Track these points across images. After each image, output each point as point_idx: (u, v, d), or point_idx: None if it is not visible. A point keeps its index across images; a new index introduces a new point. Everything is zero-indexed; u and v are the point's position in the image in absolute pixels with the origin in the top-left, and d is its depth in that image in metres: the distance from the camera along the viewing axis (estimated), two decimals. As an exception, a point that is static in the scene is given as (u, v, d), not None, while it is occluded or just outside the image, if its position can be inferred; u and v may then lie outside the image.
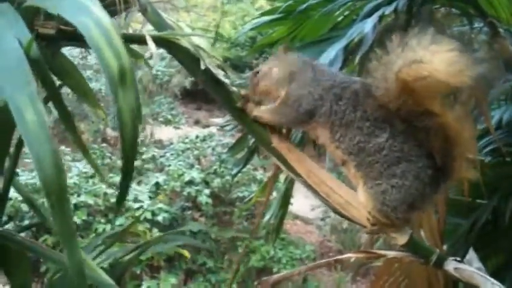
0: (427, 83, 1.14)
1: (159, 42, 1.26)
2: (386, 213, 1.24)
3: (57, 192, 0.86)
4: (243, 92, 1.35)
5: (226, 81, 1.33)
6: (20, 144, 1.44)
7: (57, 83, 1.49)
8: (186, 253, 2.39)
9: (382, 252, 1.40)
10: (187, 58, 1.31)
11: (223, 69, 1.35)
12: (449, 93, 1.22)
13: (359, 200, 1.30)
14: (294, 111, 1.29)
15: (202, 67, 1.27)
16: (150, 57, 1.26)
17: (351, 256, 1.43)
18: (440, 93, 1.20)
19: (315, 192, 1.34)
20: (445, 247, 2.45)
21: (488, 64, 1.13)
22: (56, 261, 1.52)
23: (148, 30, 1.33)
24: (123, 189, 1.11)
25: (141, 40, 1.21)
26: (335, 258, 1.50)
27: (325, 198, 1.32)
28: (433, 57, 1.11)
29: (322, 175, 1.33)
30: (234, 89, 1.35)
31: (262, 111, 1.33)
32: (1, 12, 1.05)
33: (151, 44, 1.19)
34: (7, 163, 1.43)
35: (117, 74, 0.95)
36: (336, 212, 1.34)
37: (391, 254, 1.39)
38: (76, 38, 1.30)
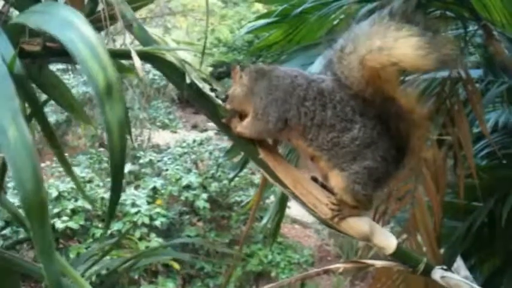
0: (393, 69, 1.18)
1: (145, 57, 1.26)
2: (356, 191, 1.26)
3: (37, 208, 0.85)
4: (228, 106, 1.35)
5: (212, 94, 1.33)
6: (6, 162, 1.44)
7: (43, 97, 1.50)
8: (176, 265, 2.40)
9: (371, 262, 1.42)
10: (172, 72, 1.31)
11: (209, 83, 1.36)
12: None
13: (331, 185, 1.31)
14: (265, 123, 1.29)
15: (188, 81, 1.27)
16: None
17: (339, 266, 1.44)
18: (398, 78, 1.26)
19: (302, 203, 1.34)
20: (441, 250, 2.45)
21: (449, 46, 1.16)
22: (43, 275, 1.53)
23: (134, 45, 1.34)
24: (113, 202, 1.10)
25: (126, 55, 1.21)
26: (324, 268, 1.51)
27: (312, 209, 1.33)
28: (397, 43, 1.14)
29: (309, 186, 1.34)
30: (220, 101, 1.35)
31: (243, 127, 1.33)
32: None
33: (136, 59, 1.19)
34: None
35: (103, 88, 0.95)
36: (323, 222, 1.35)
37: (379, 263, 1.41)
38: (61, 54, 1.30)
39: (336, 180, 1.28)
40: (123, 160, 1.02)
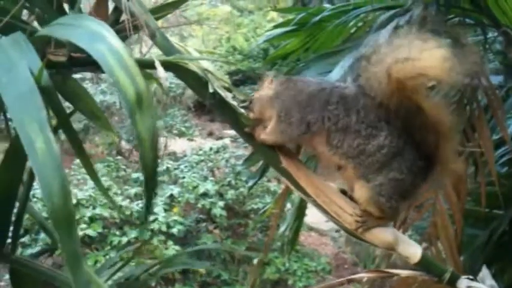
0: (420, 80, 1.18)
1: (168, 66, 1.28)
2: (380, 203, 1.26)
3: (65, 219, 0.87)
4: (251, 115, 1.37)
5: (234, 103, 1.35)
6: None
7: (68, 108, 1.52)
8: (201, 271, 2.40)
9: (395, 271, 1.41)
10: (195, 81, 1.33)
11: (231, 92, 1.37)
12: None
13: (356, 196, 1.31)
14: (288, 124, 1.29)
15: (211, 90, 1.29)
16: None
17: (363, 276, 1.43)
18: (425, 88, 1.24)
19: (325, 212, 1.34)
20: (462, 258, 2.43)
21: (475, 59, 1.16)
22: (67, 283, 1.55)
23: (158, 55, 1.35)
24: (147, 208, 1.12)
25: (150, 65, 1.23)
26: (348, 277, 1.50)
27: (336, 217, 1.33)
28: (423, 54, 1.14)
29: (331, 194, 1.34)
30: (242, 110, 1.37)
31: (267, 133, 1.34)
32: (14, 41, 1.08)
33: (160, 69, 1.21)
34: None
35: (134, 99, 0.97)
36: (346, 231, 1.35)
37: (404, 273, 1.40)
38: (86, 64, 1.33)
39: (361, 191, 1.28)
40: (156, 168, 1.05)
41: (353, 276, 1.46)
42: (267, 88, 1.35)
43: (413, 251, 1.32)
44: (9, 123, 1.67)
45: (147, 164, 1.01)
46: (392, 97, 1.22)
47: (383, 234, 1.31)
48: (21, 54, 1.01)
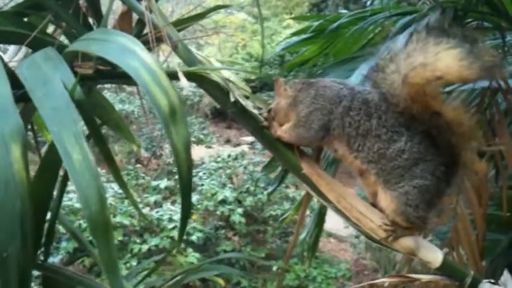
0: (438, 83, 1.18)
1: (191, 76, 1.31)
2: (407, 213, 1.26)
3: (102, 227, 0.90)
4: (265, 114, 1.39)
5: (255, 111, 1.37)
6: (65, 178, 1.49)
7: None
8: (221, 281, 2.41)
9: (417, 276, 1.41)
10: (217, 91, 1.36)
11: (251, 99, 1.39)
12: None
13: (381, 206, 1.31)
14: (307, 130, 1.31)
15: (232, 99, 1.32)
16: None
17: (385, 281, 1.43)
18: (442, 92, 1.24)
19: (346, 218, 1.35)
20: (484, 263, 2.41)
21: (490, 53, 1.16)
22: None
23: (179, 64, 1.38)
24: (183, 221, 1.15)
25: (173, 76, 1.26)
26: (369, 283, 1.51)
27: (357, 223, 1.34)
28: (438, 57, 1.15)
29: (353, 200, 1.35)
30: (263, 119, 1.38)
31: (283, 131, 1.35)
32: (46, 56, 1.11)
33: (183, 80, 1.23)
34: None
35: (168, 112, 0.99)
36: (368, 237, 1.35)
37: (425, 277, 1.40)
38: (112, 76, 1.37)
39: (386, 202, 1.29)
40: (191, 179, 1.06)
41: (374, 281, 1.47)
42: (283, 96, 1.36)
43: (435, 256, 1.32)
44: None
45: (182, 174, 1.03)
46: (413, 103, 1.22)
47: (404, 240, 1.31)
48: (55, 69, 1.05)
